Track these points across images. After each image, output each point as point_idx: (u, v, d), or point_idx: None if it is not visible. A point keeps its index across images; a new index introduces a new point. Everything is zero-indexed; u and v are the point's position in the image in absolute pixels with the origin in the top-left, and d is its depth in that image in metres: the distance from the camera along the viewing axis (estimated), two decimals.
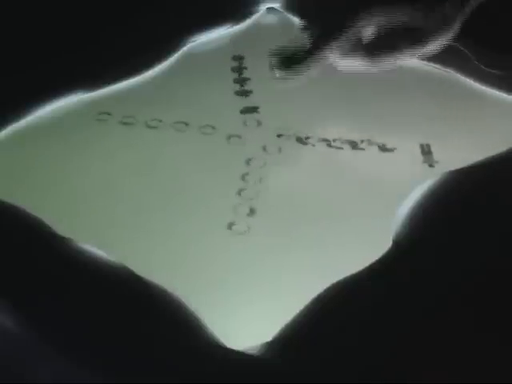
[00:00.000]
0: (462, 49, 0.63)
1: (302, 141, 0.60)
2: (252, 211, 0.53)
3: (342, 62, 0.55)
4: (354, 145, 0.59)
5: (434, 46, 0.56)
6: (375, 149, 0.59)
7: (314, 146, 0.59)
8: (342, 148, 0.59)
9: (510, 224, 0.47)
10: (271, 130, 0.60)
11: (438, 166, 0.56)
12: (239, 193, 0.55)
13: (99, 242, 0.45)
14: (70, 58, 0.65)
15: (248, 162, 0.58)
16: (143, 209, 0.53)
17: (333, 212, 0.53)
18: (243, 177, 0.56)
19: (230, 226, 0.52)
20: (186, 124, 0.62)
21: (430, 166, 0.57)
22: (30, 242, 0.45)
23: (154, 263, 0.48)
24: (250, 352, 0.39)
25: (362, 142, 0.60)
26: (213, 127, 0.61)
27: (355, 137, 0.60)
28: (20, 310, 0.40)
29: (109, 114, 0.62)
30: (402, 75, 0.64)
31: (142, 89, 0.65)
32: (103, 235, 0.49)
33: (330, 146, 0.59)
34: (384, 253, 0.46)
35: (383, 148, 0.59)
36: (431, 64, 0.67)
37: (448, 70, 0.67)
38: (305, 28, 0.57)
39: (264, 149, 0.59)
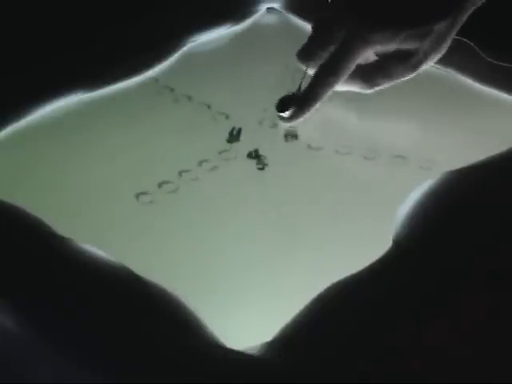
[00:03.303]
0: (470, 43, 0.63)
1: (296, 142, 0.60)
2: (175, 189, 0.54)
3: (339, 87, 0.57)
4: (353, 145, 0.59)
5: (428, 65, 0.57)
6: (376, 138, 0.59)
7: (314, 150, 0.59)
8: (340, 148, 0.59)
9: (510, 224, 0.47)
10: (274, 133, 0.60)
11: (438, 165, 0.56)
12: (180, 173, 0.56)
13: (99, 242, 0.45)
14: (70, 58, 0.65)
15: (220, 152, 0.58)
16: (143, 208, 0.53)
17: (333, 212, 0.53)
18: (200, 163, 0.57)
19: (138, 195, 0.54)
20: (209, 106, 0.63)
21: (429, 165, 0.57)
22: (30, 241, 0.45)
23: (153, 263, 0.48)
24: (250, 352, 0.39)
25: (362, 141, 0.60)
26: (227, 116, 0.62)
27: (354, 137, 0.60)
28: (20, 310, 0.40)
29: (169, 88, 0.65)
30: None
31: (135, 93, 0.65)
32: (103, 235, 0.49)
33: (328, 146, 0.59)
34: (384, 253, 0.46)
35: (382, 147, 0.59)
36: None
37: (448, 70, 0.67)
38: (302, 63, 0.58)
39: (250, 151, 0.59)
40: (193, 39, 0.71)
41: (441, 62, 0.65)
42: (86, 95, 0.63)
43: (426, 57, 0.56)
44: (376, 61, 0.57)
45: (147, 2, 0.73)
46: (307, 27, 0.67)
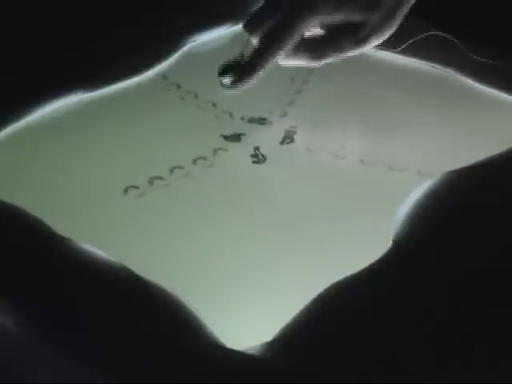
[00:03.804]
0: (455, 40, 0.63)
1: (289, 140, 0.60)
2: (166, 185, 0.55)
3: (284, 60, 0.55)
4: (350, 149, 0.59)
5: (377, 40, 0.55)
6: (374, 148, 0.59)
7: (312, 152, 0.59)
8: (338, 151, 0.59)
9: (510, 224, 0.47)
10: (274, 134, 0.61)
11: (438, 166, 0.56)
12: (172, 170, 0.56)
13: (99, 242, 0.45)
14: (70, 58, 0.65)
15: (215, 151, 0.58)
16: (143, 208, 0.53)
17: (333, 212, 0.53)
18: (194, 161, 0.57)
19: (127, 189, 0.54)
20: (214, 104, 0.63)
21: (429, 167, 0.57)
22: (30, 241, 0.45)
23: (154, 263, 0.48)
24: (250, 352, 0.39)
25: (360, 145, 0.60)
26: (231, 114, 0.62)
27: (353, 137, 0.60)
28: (20, 310, 0.40)
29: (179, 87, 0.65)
30: (402, 75, 0.64)
31: (141, 89, 0.65)
32: (103, 235, 0.49)
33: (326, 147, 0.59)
34: (384, 253, 0.46)
35: (382, 147, 0.59)
36: (431, 64, 0.67)
37: (448, 70, 0.67)
38: (248, 33, 0.56)
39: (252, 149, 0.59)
40: (193, 39, 0.72)
41: (441, 62, 0.65)
42: (86, 95, 0.63)
43: (374, 31, 0.55)
44: (324, 34, 0.56)
45: (147, 2, 0.73)
46: None
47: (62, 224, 0.47)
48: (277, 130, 0.61)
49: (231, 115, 0.62)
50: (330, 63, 0.56)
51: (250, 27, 0.56)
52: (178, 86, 0.66)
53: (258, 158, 0.58)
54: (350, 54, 0.56)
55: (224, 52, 0.71)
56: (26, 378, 0.40)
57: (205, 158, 0.57)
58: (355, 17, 0.54)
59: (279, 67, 0.55)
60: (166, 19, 0.72)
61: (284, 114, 0.62)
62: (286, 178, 0.57)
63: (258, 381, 0.37)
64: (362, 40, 0.55)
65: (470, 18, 0.64)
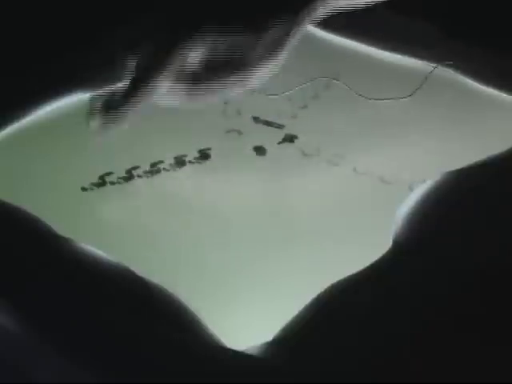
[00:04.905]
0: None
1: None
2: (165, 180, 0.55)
3: (162, 99, 0.52)
4: (347, 155, 0.59)
5: (262, 74, 0.52)
6: (375, 148, 0.59)
7: (308, 156, 0.59)
8: (333, 157, 0.59)
9: (510, 224, 0.47)
10: (275, 134, 0.60)
11: (437, 166, 0.56)
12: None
13: (99, 242, 0.45)
14: (69, 58, 0.65)
15: (205, 154, 0.58)
16: (143, 209, 0.53)
17: (333, 212, 0.53)
18: (201, 151, 0.57)
19: (84, 189, 0.55)
20: (225, 102, 0.63)
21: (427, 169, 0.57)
22: (30, 241, 0.45)
23: (154, 263, 0.48)
24: (250, 352, 0.39)
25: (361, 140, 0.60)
26: (238, 111, 0.62)
27: (353, 137, 0.60)
28: (20, 310, 0.40)
29: None
30: (402, 75, 0.64)
31: None
32: (104, 235, 0.50)
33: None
34: (384, 253, 0.46)
35: (381, 148, 0.59)
36: (431, 64, 0.67)
37: (448, 70, 0.67)
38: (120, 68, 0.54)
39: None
40: None
41: (441, 62, 0.65)
42: (86, 95, 0.63)
43: (257, 64, 0.51)
44: (202, 68, 0.52)
45: (147, 2, 0.73)
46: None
47: (62, 224, 0.47)
48: (279, 130, 0.61)
49: (239, 112, 0.62)
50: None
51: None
52: None
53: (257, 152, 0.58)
54: (231, 89, 0.52)
55: None
56: (26, 377, 0.40)
57: (200, 153, 0.57)
58: (236, 51, 0.51)
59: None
60: (166, 19, 0.72)
61: (295, 116, 0.62)
62: (286, 179, 0.57)
63: (257, 381, 0.37)
64: (243, 72, 0.51)
65: (471, 19, 0.64)
